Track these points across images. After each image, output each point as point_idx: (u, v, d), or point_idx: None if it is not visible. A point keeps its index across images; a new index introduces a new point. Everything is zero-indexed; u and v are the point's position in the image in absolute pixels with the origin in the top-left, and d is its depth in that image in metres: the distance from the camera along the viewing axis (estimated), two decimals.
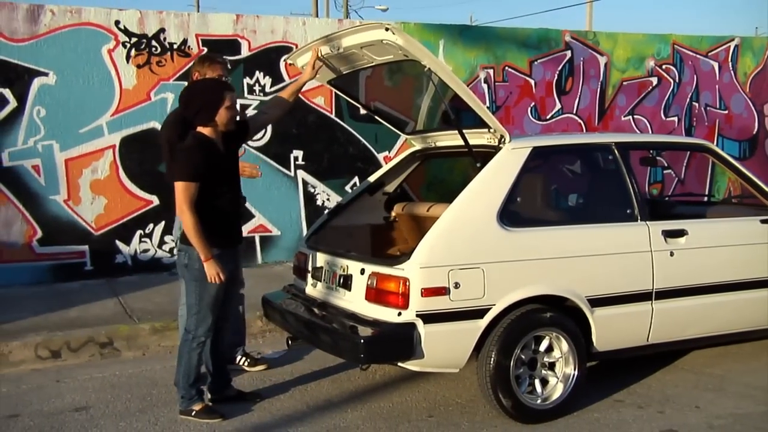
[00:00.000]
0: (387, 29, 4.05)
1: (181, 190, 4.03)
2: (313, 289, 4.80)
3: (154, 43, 7.81)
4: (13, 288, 7.17)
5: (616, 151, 4.70)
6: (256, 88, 8.22)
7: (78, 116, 7.57)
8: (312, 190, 8.56)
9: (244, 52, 8.11)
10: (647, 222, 4.56)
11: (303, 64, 4.94)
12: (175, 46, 7.88)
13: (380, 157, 8.76)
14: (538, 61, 9.47)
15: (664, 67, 10.14)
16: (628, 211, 4.56)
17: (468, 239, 4.09)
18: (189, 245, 4.13)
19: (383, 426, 4.21)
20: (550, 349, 4.29)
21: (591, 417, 4.31)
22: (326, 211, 5.46)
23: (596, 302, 4.32)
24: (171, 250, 7.59)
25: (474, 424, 4.22)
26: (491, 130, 4.39)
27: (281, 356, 5.47)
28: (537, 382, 4.27)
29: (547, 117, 9.56)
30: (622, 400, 4.56)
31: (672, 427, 4.17)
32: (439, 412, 4.41)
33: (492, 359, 4.07)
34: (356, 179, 8.57)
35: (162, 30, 7.84)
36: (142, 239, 7.83)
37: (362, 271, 4.28)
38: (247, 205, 7.12)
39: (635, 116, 10.04)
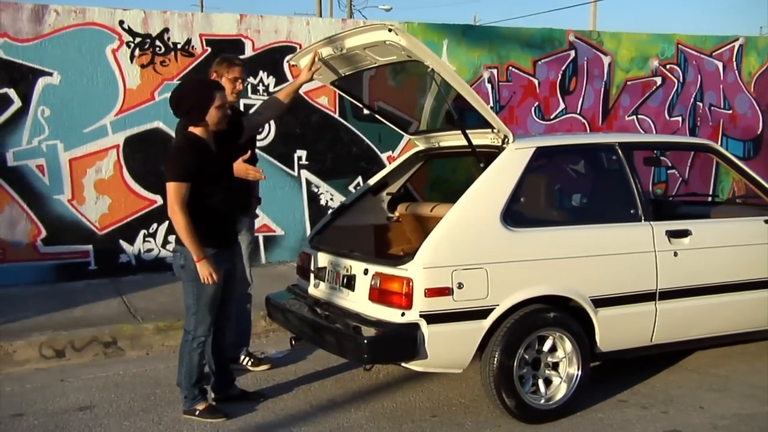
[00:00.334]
0: (390, 30, 4.05)
1: (172, 190, 4.03)
2: (317, 289, 4.80)
3: (158, 42, 7.82)
4: (17, 287, 7.19)
5: (619, 151, 4.69)
6: (260, 87, 8.23)
7: (82, 116, 7.59)
8: (315, 190, 8.57)
9: (248, 52, 8.12)
10: (651, 222, 4.55)
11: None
12: (178, 46, 7.89)
13: (384, 157, 8.76)
14: (542, 60, 9.46)
15: (668, 66, 10.12)
16: (631, 212, 4.55)
17: (471, 239, 4.09)
18: (183, 246, 4.13)
19: (387, 426, 4.22)
20: (553, 349, 4.29)
21: (595, 417, 4.30)
22: (330, 211, 5.46)
23: (600, 302, 4.31)
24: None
25: (477, 424, 4.22)
26: (495, 130, 4.39)
27: (285, 356, 5.48)
28: (540, 382, 4.27)
29: (551, 117, 9.55)
30: (626, 401, 4.55)
31: (676, 427, 4.17)
32: (442, 412, 4.42)
33: (495, 359, 4.07)
34: (360, 179, 8.58)
35: (166, 30, 7.85)
36: (146, 239, 7.85)
37: (366, 272, 4.28)
38: None
39: (639, 116, 10.02)
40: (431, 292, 3.93)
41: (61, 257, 7.59)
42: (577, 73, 9.66)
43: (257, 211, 5.36)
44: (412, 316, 3.94)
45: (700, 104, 10.35)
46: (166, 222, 7.73)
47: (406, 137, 5.66)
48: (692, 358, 5.27)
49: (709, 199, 9.23)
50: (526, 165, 4.34)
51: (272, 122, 8.27)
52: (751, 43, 10.63)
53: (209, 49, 7.95)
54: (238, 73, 4.92)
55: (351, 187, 8.51)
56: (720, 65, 10.42)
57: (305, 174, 8.52)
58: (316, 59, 4.74)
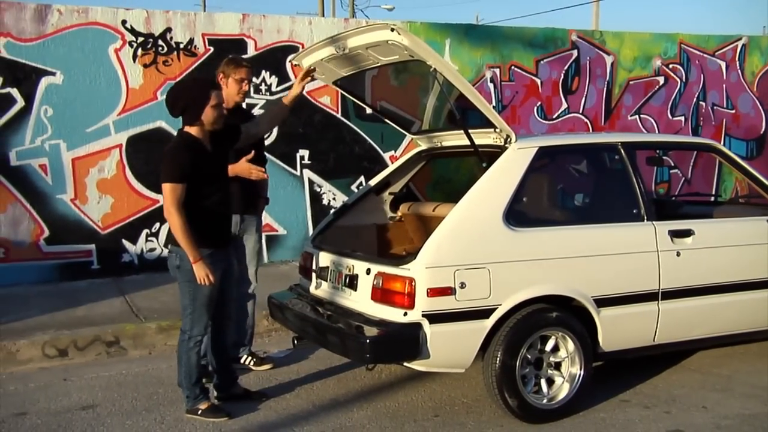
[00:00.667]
0: (392, 30, 4.04)
1: (168, 191, 4.02)
2: (319, 288, 4.80)
3: (160, 42, 7.83)
4: (20, 287, 7.20)
5: (622, 151, 4.68)
6: (263, 87, 8.23)
7: (85, 115, 7.60)
8: (318, 190, 8.57)
9: (251, 52, 8.13)
10: (654, 222, 4.55)
11: (308, 65, 4.95)
12: (181, 46, 7.90)
13: (386, 156, 8.77)
14: (545, 60, 9.46)
15: (670, 66, 10.12)
16: (634, 211, 4.55)
17: (474, 239, 4.09)
18: (178, 246, 4.13)
19: (389, 425, 4.22)
20: (556, 348, 4.29)
21: (597, 417, 4.30)
22: (332, 211, 5.46)
23: (602, 302, 4.31)
24: None
25: (480, 423, 4.22)
26: (497, 130, 4.39)
27: (287, 355, 5.48)
28: (543, 382, 4.27)
29: (554, 116, 9.55)
30: (629, 400, 4.55)
31: (679, 427, 4.16)
32: (444, 411, 4.42)
33: (498, 359, 4.07)
34: (362, 179, 8.59)
35: (168, 29, 7.86)
36: (149, 238, 7.86)
37: (368, 271, 4.28)
38: None
39: (642, 116, 10.02)
40: (433, 292, 3.93)
41: (64, 256, 7.60)
42: (579, 73, 9.66)
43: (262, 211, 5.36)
44: (414, 315, 3.94)
45: (703, 104, 10.34)
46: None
47: (409, 137, 5.66)
48: (695, 358, 5.27)
49: (712, 198, 9.22)
50: (529, 165, 4.33)
51: None
52: (754, 43, 10.61)
53: (212, 49, 7.96)
54: (245, 74, 4.94)
55: (353, 187, 8.51)
56: (723, 65, 10.41)
57: (308, 173, 8.52)
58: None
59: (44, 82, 7.46)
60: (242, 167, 4.85)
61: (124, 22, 7.70)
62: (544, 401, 4.24)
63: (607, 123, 9.83)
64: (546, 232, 4.34)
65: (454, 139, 4.98)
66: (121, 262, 7.80)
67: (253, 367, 5.16)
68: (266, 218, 8.11)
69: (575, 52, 9.62)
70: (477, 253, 4.05)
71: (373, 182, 5.47)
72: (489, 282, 4.02)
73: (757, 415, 4.33)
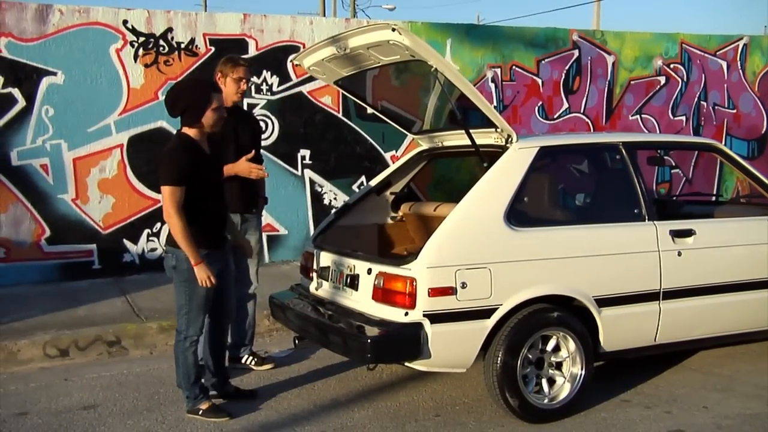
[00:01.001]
0: (393, 30, 4.04)
1: (167, 194, 4.02)
2: (320, 288, 4.80)
3: (161, 42, 7.83)
4: (21, 286, 7.21)
5: (623, 151, 4.68)
6: (264, 87, 8.23)
7: (86, 115, 7.60)
8: (319, 190, 8.57)
9: (252, 52, 8.13)
10: (655, 222, 4.55)
11: (309, 65, 4.95)
12: (182, 46, 7.90)
13: (387, 156, 8.76)
14: (546, 60, 9.46)
15: (672, 66, 10.11)
16: (635, 211, 4.55)
17: (475, 239, 4.09)
18: (175, 247, 4.13)
19: (390, 425, 4.22)
20: (557, 348, 4.29)
21: (598, 417, 4.30)
22: (333, 211, 5.46)
23: (603, 302, 4.31)
24: None
25: (481, 423, 4.22)
26: (498, 130, 4.39)
27: (288, 355, 5.49)
28: (544, 382, 4.27)
29: (555, 116, 9.54)
30: (630, 400, 4.55)
31: (680, 427, 4.16)
32: (445, 411, 4.42)
33: (499, 359, 4.07)
34: (363, 179, 8.58)
35: (170, 29, 7.85)
36: (150, 238, 7.86)
37: (369, 271, 4.28)
38: None
39: (643, 115, 10.01)
40: (435, 292, 3.93)
41: (65, 256, 7.60)
42: (580, 73, 9.65)
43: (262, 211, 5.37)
44: (415, 315, 3.95)
45: (704, 104, 10.33)
46: None
47: (410, 137, 5.66)
48: (696, 358, 5.27)
49: (713, 198, 9.21)
50: (530, 164, 4.33)
51: (276, 122, 8.28)
52: (755, 43, 10.61)
53: (213, 49, 7.96)
54: (243, 74, 4.94)
55: (354, 187, 8.51)
56: (724, 64, 10.40)
57: (309, 173, 8.52)
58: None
59: (45, 82, 7.46)
60: (242, 167, 4.85)
61: (125, 22, 7.70)
62: (545, 401, 4.24)
63: (608, 123, 9.82)
64: (547, 232, 4.34)
65: (455, 138, 4.98)
66: (123, 262, 7.80)
67: (254, 367, 5.16)
68: (267, 218, 8.12)
69: (576, 52, 9.61)
70: (478, 253, 4.05)
71: (374, 182, 5.48)
72: (490, 282, 4.02)
73: (759, 414, 4.33)
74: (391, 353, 4.07)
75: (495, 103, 9.10)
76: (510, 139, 4.39)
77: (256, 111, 8.13)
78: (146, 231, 7.84)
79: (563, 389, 4.28)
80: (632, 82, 9.92)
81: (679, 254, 4.53)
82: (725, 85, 10.44)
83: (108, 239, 7.71)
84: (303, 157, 8.47)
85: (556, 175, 5.25)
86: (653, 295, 4.46)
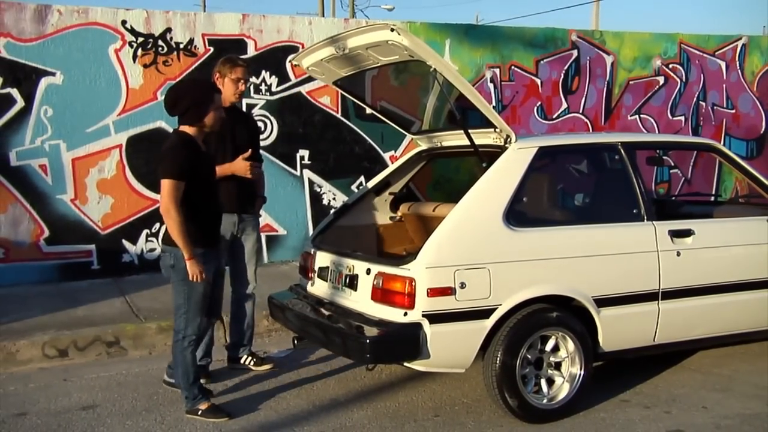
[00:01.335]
0: (392, 30, 4.04)
1: (167, 188, 4.03)
2: (319, 289, 4.80)
3: (160, 42, 7.82)
4: (20, 287, 7.20)
5: (622, 151, 4.68)
6: (263, 87, 8.23)
7: (85, 116, 7.60)
8: (318, 190, 8.57)
9: (251, 52, 8.12)
10: (654, 222, 4.55)
11: (308, 65, 4.95)
12: (181, 46, 7.90)
13: (386, 156, 8.76)
14: (545, 60, 9.46)
15: (670, 66, 10.11)
16: (634, 211, 4.55)
17: (474, 239, 4.09)
18: (173, 246, 4.15)
19: (389, 425, 4.22)
20: (556, 348, 4.29)
21: (597, 417, 4.30)
22: (332, 211, 5.46)
23: (603, 302, 4.31)
24: None
25: (480, 423, 4.22)
26: (497, 130, 4.39)
27: (287, 355, 5.48)
28: (543, 382, 4.27)
29: (554, 116, 9.55)
30: (629, 400, 4.55)
31: (679, 427, 4.16)
32: (445, 411, 4.42)
33: (498, 359, 4.07)
34: (362, 179, 8.58)
35: (168, 30, 7.85)
36: (149, 238, 7.86)
37: (368, 271, 4.28)
38: None
39: (642, 116, 10.01)
40: (434, 292, 3.93)
41: (64, 257, 7.59)
42: (579, 73, 9.66)
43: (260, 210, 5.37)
44: (414, 315, 3.95)
45: (703, 104, 10.34)
46: None
47: (409, 137, 5.66)
48: (695, 358, 5.27)
49: (712, 198, 9.21)
50: (529, 164, 4.33)
51: (275, 122, 8.29)
52: (754, 43, 10.61)
53: (212, 49, 7.96)
54: (241, 74, 4.95)
55: (353, 187, 8.51)
56: (723, 65, 10.40)
57: (308, 174, 8.52)
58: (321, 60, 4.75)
59: (44, 82, 7.45)
60: (239, 165, 4.86)
61: (124, 22, 7.70)
62: (545, 401, 4.24)
63: (607, 123, 9.83)
64: (546, 232, 4.34)
65: (454, 139, 4.98)
66: (122, 262, 7.80)
67: (253, 368, 5.16)
68: (266, 218, 8.13)
69: (575, 52, 9.62)
70: (477, 253, 4.05)
71: (373, 182, 5.47)
72: (489, 282, 4.02)
73: (758, 414, 4.33)
74: (390, 353, 4.06)
75: (494, 104, 9.11)
76: (509, 140, 4.39)
77: (255, 111, 8.13)
78: (145, 231, 7.83)
79: (562, 389, 4.28)
80: (631, 82, 9.93)
81: (678, 254, 4.53)
82: (724, 85, 10.44)
83: (107, 239, 7.71)
84: (302, 158, 8.47)
85: (555, 175, 5.25)
86: (652, 295, 4.46)
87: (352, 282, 4.39)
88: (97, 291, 7.07)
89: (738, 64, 10.48)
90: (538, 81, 9.44)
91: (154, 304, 6.53)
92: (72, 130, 7.56)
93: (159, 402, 4.60)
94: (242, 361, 5.18)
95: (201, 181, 4.18)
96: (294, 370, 5.19)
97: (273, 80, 8.26)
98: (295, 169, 8.45)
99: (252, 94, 8.15)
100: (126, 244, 7.79)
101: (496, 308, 4.04)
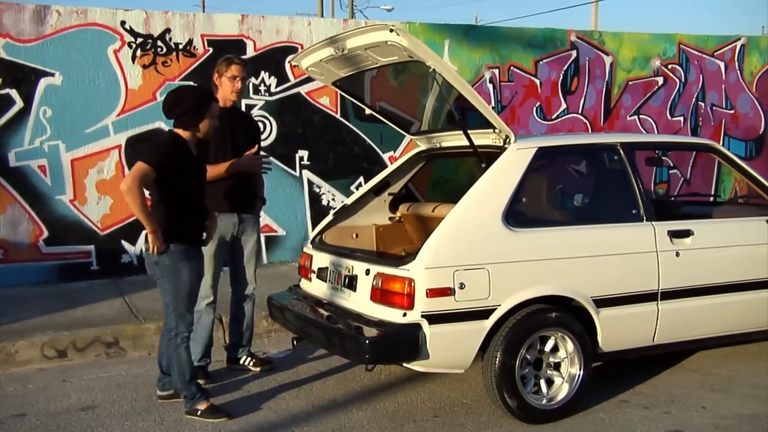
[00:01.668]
0: (391, 30, 4.04)
1: (138, 169, 4.08)
2: (318, 289, 4.80)
3: (159, 43, 7.82)
4: (19, 288, 7.20)
5: (621, 151, 4.68)
6: (262, 88, 8.23)
7: (84, 116, 7.60)
8: (317, 190, 8.57)
9: (250, 52, 8.13)
10: (653, 222, 4.55)
11: (307, 66, 4.95)
12: (180, 47, 7.90)
13: (385, 157, 8.76)
14: (544, 60, 9.46)
15: (669, 66, 10.12)
16: (633, 212, 4.55)
17: (473, 240, 4.09)
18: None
19: (388, 426, 4.22)
20: (555, 349, 4.29)
21: (596, 417, 4.30)
22: (331, 212, 5.47)
23: (602, 303, 4.31)
24: None
25: (479, 424, 4.22)
26: (496, 131, 4.39)
27: (286, 356, 5.48)
28: (542, 382, 4.27)
29: (553, 117, 9.55)
30: (628, 401, 4.55)
31: (678, 427, 4.16)
32: (444, 412, 4.41)
33: (497, 359, 4.07)
34: (361, 179, 8.58)
35: (167, 30, 7.85)
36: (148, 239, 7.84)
37: (367, 272, 4.28)
38: None
39: (641, 116, 10.02)
40: (433, 293, 3.93)
41: (63, 257, 7.59)
42: (578, 73, 9.66)
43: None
44: (413, 316, 3.94)
45: (702, 104, 10.34)
46: None
47: (408, 137, 5.66)
48: (694, 359, 5.27)
49: (711, 199, 9.22)
50: (528, 165, 4.33)
51: (274, 123, 8.29)
52: (753, 43, 10.62)
53: (211, 50, 7.96)
54: (237, 72, 4.94)
55: (353, 188, 8.50)
56: (722, 65, 10.41)
57: (307, 174, 8.52)
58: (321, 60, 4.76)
59: (43, 83, 7.45)
60: (245, 160, 4.85)
61: (123, 22, 7.70)
62: (544, 401, 4.24)
63: (606, 123, 9.83)
64: (545, 233, 4.34)
65: (454, 139, 4.98)
66: (121, 262, 7.79)
67: (253, 368, 5.16)
68: (265, 219, 8.12)
69: (574, 53, 9.62)
70: (476, 254, 4.05)
71: (372, 183, 5.47)
72: (488, 282, 4.01)
73: (757, 415, 4.33)
74: (390, 354, 4.06)
75: (493, 104, 9.11)
76: (508, 140, 4.39)
77: (255, 112, 8.13)
78: (144, 232, 7.77)
79: (561, 390, 4.28)
80: (630, 83, 9.93)
81: (677, 255, 4.53)
82: (723, 86, 10.45)
83: (106, 240, 7.70)
84: (301, 158, 8.47)
85: (554, 175, 5.25)
86: (651, 295, 4.46)
87: (352, 282, 4.39)
88: (96, 292, 7.07)
89: (737, 65, 10.49)
90: (537, 81, 9.44)
91: (153, 304, 6.50)
92: (71, 131, 7.56)
93: (158, 403, 4.59)
94: (241, 361, 5.18)
95: (187, 182, 4.26)
96: (293, 370, 5.19)
97: (272, 81, 8.26)
98: (295, 170, 8.45)
99: (251, 94, 8.15)
100: (125, 244, 7.79)
101: (496, 309, 4.04)
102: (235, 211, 4.96)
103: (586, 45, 9.69)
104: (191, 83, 7.67)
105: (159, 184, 4.18)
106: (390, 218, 5.50)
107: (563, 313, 4.22)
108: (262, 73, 8.22)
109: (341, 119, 8.61)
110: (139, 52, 7.75)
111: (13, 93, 7.38)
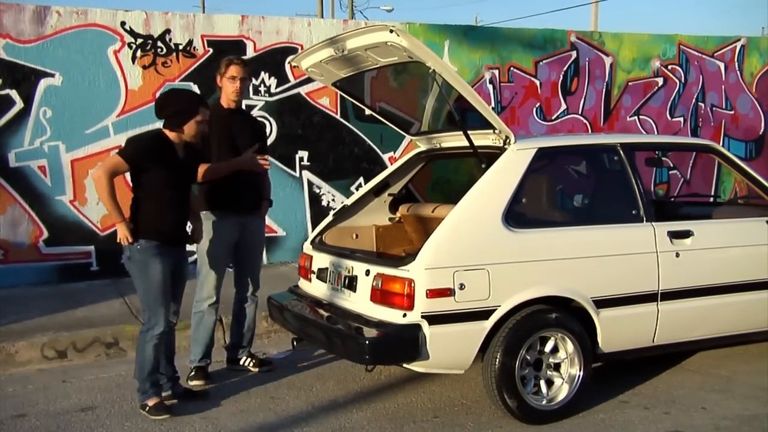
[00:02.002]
0: (391, 31, 4.04)
1: (111, 161, 4.22)
2: (318, 290, 4.80)
3: (159, 44, 7.83)
4: (19, 288, 7.20)
5: (621, 152, 4.68)
6: (262, 88, 8.23)
7: (84, 117, 7.60)
8: (317, 191, 8.57)
9: (250, 53, 8.13)
10: (653, 223, 4.54)
11: (307, 67, 4.95)
12: (180, 47, 7.90)
13: (385, 157, 8.77)
14: (544, 61, 9.46)
15: (669, 67, 10.12)
16: (633, 212, 4.55)
17: (473, 240, 4.09)
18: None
19: (388, 426, 4.21)
20: (555, 349, 4.28)
21: (596, 418, 4.30)
22: (331, 212, 5.47)
23: (602, 303, 4.31)
24: None
25: (479, 424, 4.22)
26: (496, 131, 4.39)
27: (286, 357, 5.48)
28: (542, 383, 4.27)
29: (553, 117, 9.55)
30: (628, 401, 4.55)
31: (678, 428, 4.16)
32: (444, 412, 4.41)
33: (497, 360, 4.06)
34: (361, 180, 8.58)
35: (168, 31, 7.86)
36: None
37: (367, 272, 4.28)
38: None
39: (641, 117, 10.02)
40: (433, 293, 3.93)
41: (63, 258, 7.59)
42: (578, 74, 9.66)
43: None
44: (413, 317, 3.94)
45: (702, 105, 10.34)
46: None
47: (408, 138, 5.66)
48: (694, 359, 5.27)
49: (711, 199, 9.22)
50: (528, 166, 4.33)
51: (274, 123, 8.29)
52: (753, 44, 10.62)
53: (211, 50, 7.96)
54: (236, 72, 4.92)
55: (352, 188, 8.51)
56: (722, 66, 10.41)
57: (307, 175, 8.52)
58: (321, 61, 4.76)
59: (43, 83, 7.45)
60: (247, 158, 4.85)
61: (123, 23, 7.70)
62: (544, 402, 4.24)
63: (606, 124, 9.83)
64: (545, 233, 4.33)
65: (454, 140, 4.98)
66: (121, 263, 7.71)
67: (253, 369, 5.16)
68: (266, 219, 8.10)
69: (574, 53, 9.62)
70: (476, 255, 4.04)
71: (372, 183, 5.47)
72: (488, 283, 4.01)
73: (757, 416, 4.33)
74: (390, 354, 4.06)
75: (493, 105, 9.11)
76: (508, 141, 4.39)
77: (254, 112, 8.13)
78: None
79: (562, 390, 4.28)
80: (630, 84, 9.93)
81: (677, 255, 4.53)
82: (723, 87, 10.45)
83: (106, 241, 7.69)
84: (301, 159, 8.47)
85: (554, 176, 5.25)
86: (651, 296, 4.46)
87: (352, 283, 4.39)
88: (96, 292, 7.06)
89: (737, 65, 10.49)
90: (537, 82, 9.44)
91: None
92: (71, 132, 7.56)
93: None
94: (241, 362, 5.18)
95: (167, 183, 4.31)
96: (293, 371, 5.19)
97: (272, 81, 8.26)
98: (295, 171, 8.45)
99: (251, 95, 8.15)
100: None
101: (496, 309, 4.04)
102: (239, 212, 4.96)
103: (586, 46, 9.69)
104: (185, 87, 7.68)
105: (134, 178, 4.31)
106: (390, 219, 5.50)
107: (563, 314, 4.22)
108: (262, 73, 8.22)
109: (341, 120, 8.61)
110: (139, 53, 7.75)
111: (13, 93, 7.38)
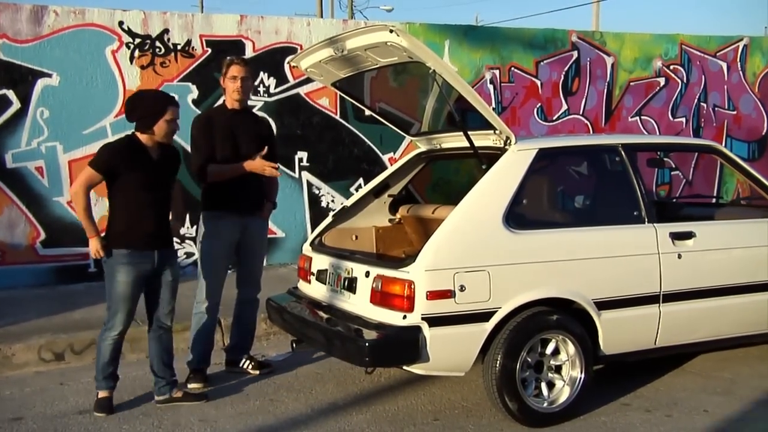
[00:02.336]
0: (391, 31, 4.01)
1: (85, 174, 4.26)
2: (318, 291, 4.77)
3: (157, 44, 7.80)
4: (16, 290, 7.17)
5: (623, 153, 4.66)
6: (261, 88, 8.20)
7: (81, 117, 7.57)
8: (317, 192, 8.54)
9: (249, 53, 8.10)
10: (654, 224, 4.52)
11: (306, 67, 4.92)
12: (178, 47, 7.87)
13: (385, 158, 8.74)
14: (545, 61, 9.43)
15: (671, 67, 10.09)
16: (635, 213, 4.52)
17: (474, 242, 4.06)
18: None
19: (388, 429, 4.18)
20: (556, 352, 4.25)
21: (598, 420, 4.27)
22: (331, 213, 5.44)
23: (603, 305, 4.28)
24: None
25: (480, 427, 4.19)
26: (497, 132, 4.36)
27: (285, 359, 5.45)
28: (543, 385, 4.24)
29: (554, 118, 9.52)
30: (630, 404, 4.52)
31: (680, 430, 4.13)
32: (444, 415, 4.38)
33: (498, 362, 4.03)
34: (361, 181, 8.55)
35: (166, 31, 7.83)
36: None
37: (367, 274, 4.25)
38: None
39: (642, 117, 9.99)
40: (433, 295, 3.90)
41: (61, 259, 7.56)
42: (579, 74, 9.63)
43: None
44: (413, 318, 3.91)
45: (704, 105, 10.31)
46: None
47: (408, 139, 5.64)
48: (696, 361, 5.24)
49: (713, 200, 9.19)
50: (529, 166, 4.30)
51: (273, 124, 8.24)
52: (755, 44, 10.59)
53: (209, 50, 7.94)
54: (236, 72, 4.90)
55: (352, 189, 8.48)
56: (724, 66, 10.38)
57: (306, 176, 8.49)
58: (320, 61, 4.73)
59: (40, 83, 7.42)
60: (254, 163, 4.80)
61: (120, 23, 7.67)
62: (545, 405, 4.21)
63: (608, 124, 9.80)
64: (546, 235, 4.31)
65: (454, 140, 4.95)
66: None
67: (252, 371, 5.13)
68: (268, 221, 8.08)
69: (575, 53, 9.59)
70: (477, 256, 4.01)
71: (372, 184, 5.45)
72: (489, 285, 3.98)
73: (759, 418, 4.31)
74: (390, 357, 4.03)
75: (493, 105, 9.08)
76: (508, 141, 4.36)
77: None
78: None
79: (563, 393, 4.25)
80: (632, 84, 9.90)
81: (679, 257, 4.50)
82: (725, 87, 10.41)
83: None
84: (300, 159, 8.44)
85: (555, 177, 5.23)
86: (653, 298, 4.43)
87: (351, 285, 4.36)
88: (93, 294, 7.00)
89: (739, 65, 10.46)
90: (538, 82, 9.41)
91: None
92: (68, 132, 7.53)
93: (156, 406, 4.56)
94: (240, 364, 5.15)
95: (141, 186, 4.30)
96: (292, 373, 5.16)
97: (271, 82, 8.23)
98: (294, 171, 8.42)
99: (250, 95, 8.10)
100: None
101: (496, 311, 4.01)
102: (240, 212, 4.92)
103: (588, 45, 9.66)
104: (184, 87, 7.68)
105: (110, 186, 4.34)
106: (390, 220, 5.48)
107: (564, 316, 4.20)
108: (261, 73, 8.18)
109: (341, 120, 8.58)
110: (137, 53, 7.72)
111: (10, 94, 7.35)
